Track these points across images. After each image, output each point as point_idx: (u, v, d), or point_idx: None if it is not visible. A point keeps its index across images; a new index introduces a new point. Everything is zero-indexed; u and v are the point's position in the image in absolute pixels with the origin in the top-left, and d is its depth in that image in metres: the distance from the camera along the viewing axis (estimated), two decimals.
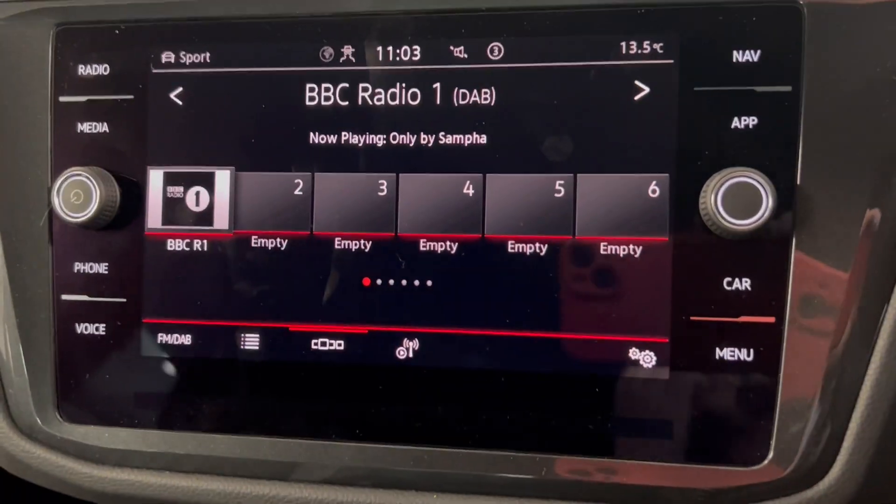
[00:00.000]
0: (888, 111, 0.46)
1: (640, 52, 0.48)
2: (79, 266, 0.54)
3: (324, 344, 0.51)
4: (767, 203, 0.45)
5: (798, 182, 0.46)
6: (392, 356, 0.50)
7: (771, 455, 0.47)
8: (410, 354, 0.50)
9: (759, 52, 0.47)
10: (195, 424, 0.53)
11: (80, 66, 0.54)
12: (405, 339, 0.50)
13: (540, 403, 0.49)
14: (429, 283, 0.50)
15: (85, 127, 0.54)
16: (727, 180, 0.45)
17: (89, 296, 0.54)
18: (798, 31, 0.47)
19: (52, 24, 0.54)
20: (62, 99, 0.54)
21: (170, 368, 0.53)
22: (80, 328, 0.54)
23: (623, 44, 0.48)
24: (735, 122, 0.47)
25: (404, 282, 0.50)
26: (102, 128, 0.54)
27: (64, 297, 0.54)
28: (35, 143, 0.54)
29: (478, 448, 0.50)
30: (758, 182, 0.45)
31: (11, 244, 0.54)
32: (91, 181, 0.51)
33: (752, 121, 0.47)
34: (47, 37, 0.54)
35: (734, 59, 0.47)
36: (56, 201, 0.52)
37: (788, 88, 0.47)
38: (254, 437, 0.52)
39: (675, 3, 0.48)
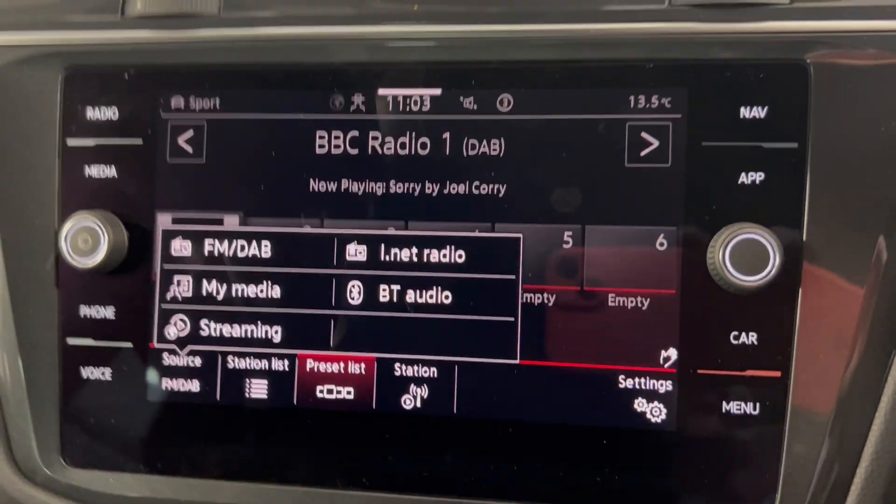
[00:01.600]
0: (891, 168, 0.46)
1: (648, 106, 0.49)
2: (85, 310, 0.53)
3: (330, 392, 0.51)
4: (774, 260, 0.45)
5: (804, 238, 0.47)
6: (398, 405, 0.50)
7: None
8: (418, 403, 0.50)
9: (766, 108, 0.48)
10: (201, 471, 0.52)
11: (89, 109, 0.54)
12: (412, 386, 0.50)
13: (546, 455, 0.49)
14: (434, 326, 0.50)
15: (93, 171, 0.54)
16: (735, 236, 0.46)
17: (95, 339, 0.53)
18: (804, 89, 0.47)
19: (61, 67, 0.54)
20: (70, 142, 0.54)
21: (175, 414, 0.53)
22: (86, 372, 0.53)
23: (632, 98, 0.49)
24: (742, 178, 0.47)
25: (412, 320, 0.50)
26: (111, 172, 0.54)
27: (69, 340, 0.54)
28: (43, 185, 0.54)
29: (484, 499, 0.50)
30: (765, 239, 0.45)
31: (18, 287, 0.54)
32: (99, 226, 0.51)
33: (758, 176, 0.47)
34: (56, 80, 0.54)
35: (741, 116, 0.48)
36: (64, 246, 0.52)
37: (795, 145, 0.47)
38: (259, 484, 0.52)
39: (683, 59, 0.49)
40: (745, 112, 0.48)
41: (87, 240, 0.52)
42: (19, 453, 0.54)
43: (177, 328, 0.53)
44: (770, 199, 0.47)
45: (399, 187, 0.51)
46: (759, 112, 0.48)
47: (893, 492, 0.46)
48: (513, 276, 0.50)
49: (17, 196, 0.54)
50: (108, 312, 0.53)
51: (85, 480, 0.53)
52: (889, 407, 0.46)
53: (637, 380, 0.48)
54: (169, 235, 0.53)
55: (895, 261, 0.46)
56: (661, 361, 0.48)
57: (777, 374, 0.47)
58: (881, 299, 0.46)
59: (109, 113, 0.54)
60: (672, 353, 0.48)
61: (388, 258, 0.51)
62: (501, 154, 0.50)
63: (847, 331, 0.46)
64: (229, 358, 0.52)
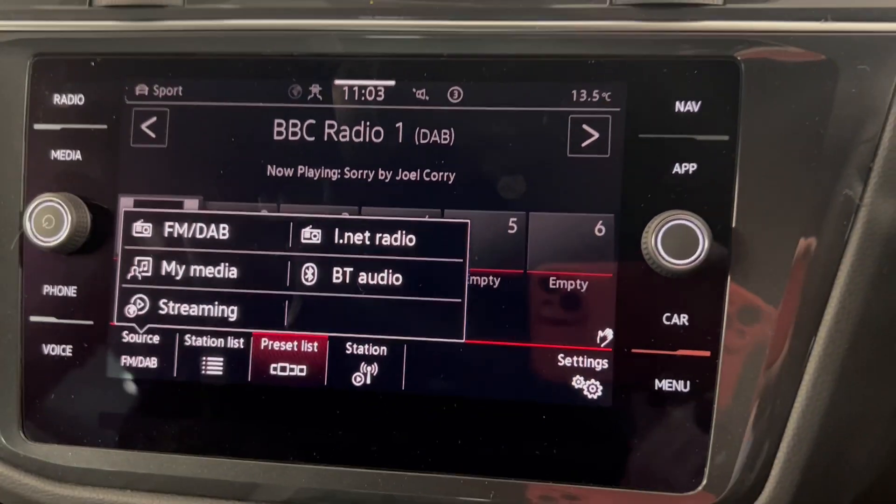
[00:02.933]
0: (816, 160, 0.49)
1: (589, 99, 0.51)
2: (48, 288, 0.55)
3: (283, 369, 0.53)
4: (704, 244, 0.48)
5: (734, 225, 0.50)
6: (348, 382, 0.53)
7: (705, 481, 0.49)
8: (368, 381, 0.52)
9: (699, 103, 0.50)
10: (157, 445, 0.54)
11: (56, 95, 0.56)
12: (363, 364, 0.53)
13: (489, 430, 0.51)
14: (385, 306, 0.52)
15: (58, 154, 0.56)
16: (667, 222, 0.48)
17: (57, 317, 0.55)
18: (736, 85, 0.50)
19: (29, 54, 0.56)
20: (37, 127, 0.56)
21: (133, 390, 0.55)
22: (47, 349, 0.55)
23: (574, 92, 0.52)
24: (676, 168, 0.50)
25: (364, 300, 0.53)
26: (76, 155, 0.56)
27: (32, 318, 0.55)
28: (9, 168, 0.56)
29: (430, 472, 0.52)
30: (695, 225, 0.48)
31: None
32: (63, 207, 0.53)
33: (692, 167, 0.50)
34: (24, 66, 0.56)
35: (676, 109, 0.50)
36: (28, 226, 0.54)
37: (726, 137, 0.50)
38: (214, 458, 0.53)
39: (623, 56, 0.51)
40: (679, 106, 0.50)
41: (50, 220, 0.53)
42: None
43: (136, 307, 0.55)
44: (702, 188, 0.50)
45: (353, 174, 0.53)
46: (693, 106, 0.50)
47: (813, 463, 0.49)
48: (460, 260, 0.52)
49: None
50: (70, 291, 0.55)
51: (44, 454, 0.55)
52: (810, 386, 0.49)
53: (575, 358, 0.51)
54: (131, 217, 0.55)
55: (818, 247, 0.49)
56: (598, 341, 0.51)
57: (707, 353, 0.50)
58: (804, 284, 0.49)
59: (76, 99, 0.56)
60: (608, 333, 0.51)
61: (341, 241, 0.53)
62: (451, 143, 0.53)
63: (772, 314, 0.49)
64: (187, 336, 0.54)
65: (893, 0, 0.50)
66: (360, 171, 0.53)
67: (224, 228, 0.54)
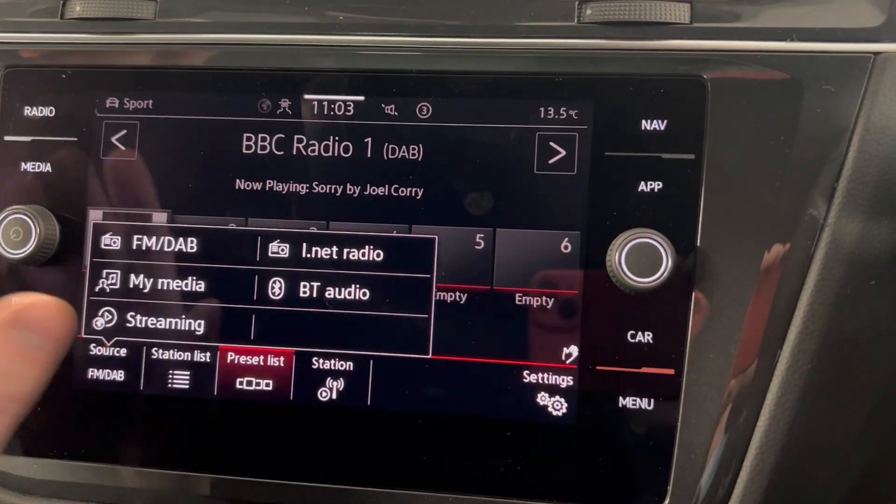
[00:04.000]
0: (780, 179, 0.50)
1: (556, 117, 0.52)
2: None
3: (250, 383, 0.53)
4: (667, 263, 0.48)
5: (698, 243, 0.50)
6: (314, 397, 0.53)
7: (668, 499, 0.49)
8: (334, 396, 0.53)
9: (665, 121, 0.51)
10: (123, 458, 0.54)
11: (27, 107, 0.56)
12: (329, 379, 0.53)
13: (455, 446, 0.51)
14: (351, 321, 0.53)
15: (28, 166, 0.56)
16: (630, 241, 0.48)
17: None
18: (702, 104, 0.50)
19: (1, 66, 0.56)
20: (7, 138, 0.56)
21: (100, 402, 0.54)
22: None
23: (541, 109, 0.52)
24: (642, 186, 0.50)
25: (331, 315, 0.53)
26: (45, 167, 0.56)
27: None
28: None
29: (395, 488, 0.52)
30: (658, 243, 0.48)
31: None
32: (31, 219, 0.53)
33: (657, 185, 0.50)
34: None
35: (642, 128, 0.51)
36: None
37: (692, 156, 0.50)
38: (179, 472, 0.53)
39: (589, 74, 0.51)
40: (646, 124, 0.51)
41: (18, 231, 0.53)
42: None
43: (104, 319, 0.55)
44: (667, 206, 0.50)
45: (322, 188, 0.54)
46: (659, 125, 0.51)
47: (776, 482, 0.49)
48: (427, 275, 0.52)
49: None
50: None
51: (10, 466, 0.55)
52: (773, 404, 0.49)
53: (540, 375, 0.51)
54: (99, 230, 0.55)
55: (782, 266, 0.49)
56: (563, 358, 0.51)
57: (671, 371, 0.50)
58: (768, 303, 0.49)
59: (46, 111, 0.56)
60: (573, 350, 0.51)
61: (309, 256, 0.53)
62: (420, 159, 0.53)
63: (736, 332, 0.49)
64: (153, 349, 0.54)
65: (858, 21, 0.50)
66: (329, 186, 0.53)
67: (192, 242, 0.54)
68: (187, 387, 0.54)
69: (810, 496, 0.52)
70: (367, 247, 0.53)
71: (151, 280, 0.54)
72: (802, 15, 0.51)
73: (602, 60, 0.52)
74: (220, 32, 0.55)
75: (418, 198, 0.53)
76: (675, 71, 0.51)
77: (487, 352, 0.51)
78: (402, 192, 0.53)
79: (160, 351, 0.54)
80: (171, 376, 0.54)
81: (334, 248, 0.53)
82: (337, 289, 0.53)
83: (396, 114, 0.53)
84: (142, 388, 0.54)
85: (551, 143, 0.52)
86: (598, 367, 0.50)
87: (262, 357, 0.53)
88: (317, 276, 0.53)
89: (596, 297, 0.50)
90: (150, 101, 0.55)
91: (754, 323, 0.49)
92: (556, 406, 0.51)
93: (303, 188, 0.54)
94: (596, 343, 0.50)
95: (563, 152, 0.51)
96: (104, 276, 0.55)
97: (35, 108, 0.56)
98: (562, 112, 0.52)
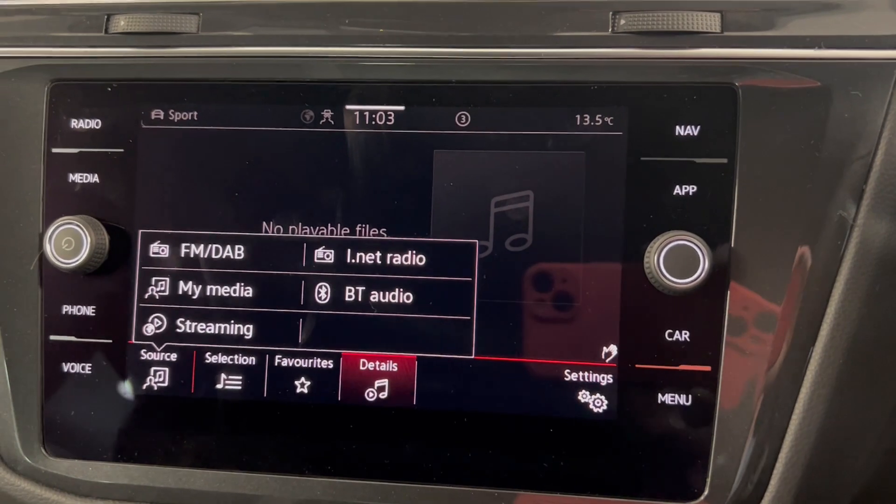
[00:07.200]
0: (811, 182, 0.51)
1: (592, 124, 0.53)
2: (67, 308, 0.57)
3: (298, 385, 0.55)
4: (704, 265, 0.50)
5: (732, 245, 0.52)
6: (361, 398, 0.54)
7: (707, 492, 0.51)
8: (380, 396, 0.54)
9: (699, 127, 0.52)
10: (175, 459, 0.56)
11: (73, 119, 0.58)
12: (375, 380, 0.54)
13: (498, 443, 0.53)
14: (396, 324, 0.54)
15: (76, 177, 0.57)
16: (668, 243, 0.50)
17: (76, 336, 0.57)
18: (734, 110, 0.52)
19: (47, 79, 0.58)
20: (55, 150, 0.58)
21: (151, 406, 0.56)
22: (67, 367, 0.57)
23: (578, 116, 0.54)
24: (676, 190, 0.52)
25: (375, 318, 0.54)
26: (93, 178, 0.57)
27: (52, 337, 0.57)
28: (28, 190, 0.57)
29: (440, 484, 0.54)
30: (696, 245, 0.50)
31: (3, 287, 0.57)
32: (82, 229, 0.55)
33: (691, 189, 0.52)
34: (42, 91, 0.58)
35: (676, 133, 0.52)
36: (48, 248, 0.55)
37: (724, 160, 0.52)
38: (231, 471, 0.55)
39: (624, 82, 0.53)
40: (680, 130, 0.52)
41: (70, 242, 0.55)
42: (2, 444, 0.57)
43: (154, 325, 0.56)
44: (702, 209, 0.52)
45: (365, 195, 0.55)
46: (692, 130, 0.52)
47: (810, 474, 0.51)
48: (469, 279, 0.54)
49: (2, 201, 0.58)
50: (88, 311, 0.57)
51: (65, 469, 0.56)
52: (806, 399, 0.51)
53: (581, 374, 0.53)
54: (148, 239, 0.57)
55: (813, 266, 0.51)
56: (603, 357, 0.52)
57: (707, 368, 0.52)
58: (800, 301, 0.51)
59: (92, 123, 0.57)
60: (613, 349, 0.52)
61: (353, 261, 0.55)
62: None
63: (770, 329, 0.51)
64: (204, 354, 0.56)
65: (884, 28, 0.52)
66: (371, 193, 0.55)
67: (239, 249, 0.56)
68: (237, 389, 0.55)
69: (843, 482, 0.54)
70: (409, 251, 0.55)
71: (200, 286, 0.56)
72: (830, 23, 0.52)
73: (636, 69, 0.53)
74: (261, 45, 0.57)
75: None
76: (708, 79, 0.53)
77: (528, 352, 0.53)
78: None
79: (210, 355, 0.56)
80: (221, 379, 0.55)
81: (378, 254, 0.55)
82: (381, 292, 0.55)
83: (436, 123, 0.55)
84: (193, 391, 0.56)
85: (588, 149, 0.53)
86: (637, 366, 0.52)
87: (310, 360, 0.55)
88: (361, 280, 0.55)
89: (634, 297, 0.52)
90: (195, 113, 0.57)
91: (787, 320, 0.51)
92: (597, 403, 0.53)
93: (347, 195, 0.55)
94: (635, 342, 0.52)
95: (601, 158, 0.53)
96: (153, 283, 0.56)
97: (81, 121, 0.58)
98: (597, 119, 0.53)
